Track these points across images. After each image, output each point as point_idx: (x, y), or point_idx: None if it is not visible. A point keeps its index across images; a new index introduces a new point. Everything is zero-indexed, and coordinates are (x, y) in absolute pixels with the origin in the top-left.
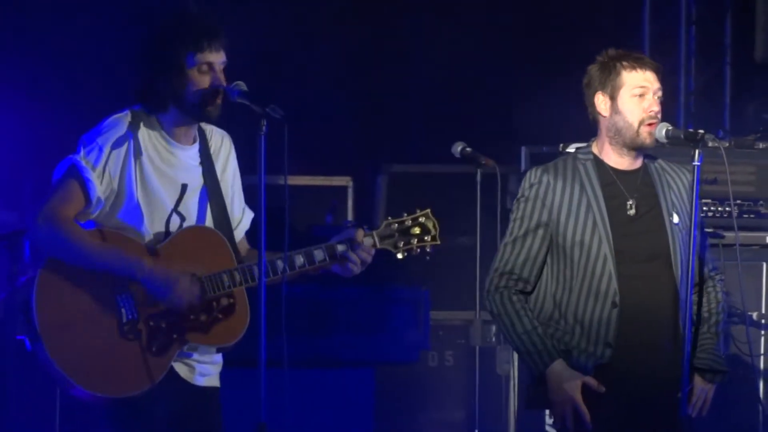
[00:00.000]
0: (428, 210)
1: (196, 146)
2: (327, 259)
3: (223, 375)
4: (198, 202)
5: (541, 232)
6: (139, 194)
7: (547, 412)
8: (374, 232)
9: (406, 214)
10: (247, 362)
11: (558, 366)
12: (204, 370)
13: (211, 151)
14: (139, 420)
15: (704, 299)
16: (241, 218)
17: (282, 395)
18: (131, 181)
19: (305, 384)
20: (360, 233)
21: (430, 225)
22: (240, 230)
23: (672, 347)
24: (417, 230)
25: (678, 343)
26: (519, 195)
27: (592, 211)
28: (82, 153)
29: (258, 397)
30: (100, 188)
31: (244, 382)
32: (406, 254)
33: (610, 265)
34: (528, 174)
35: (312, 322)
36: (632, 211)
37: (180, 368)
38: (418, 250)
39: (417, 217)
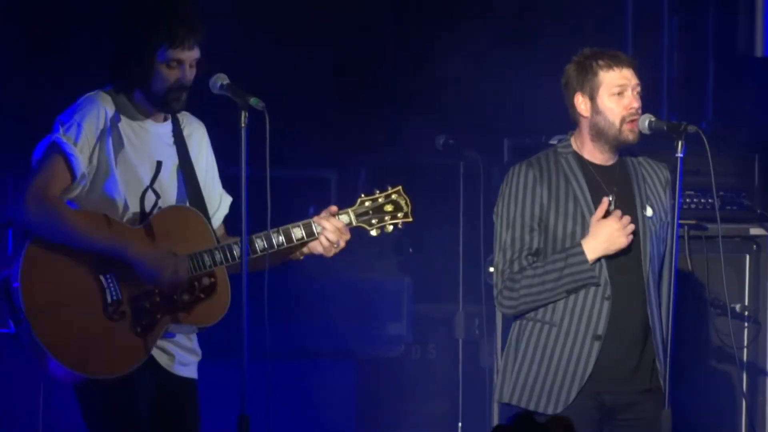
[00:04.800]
0: (399, 187)
1: (169, 125)
2: (305, 236)
3: (203, 367)
4: (173, 180)
5: (535, 225)
6: (117, 170)
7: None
8: (349, 210)
9: (378, 191)
10: (225, 353)
11: (581, 245)
12: (183, 359)
13: (185, 134)
14: (121, 404)
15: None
16: (219, 204)
17: (264, 387)
18: (110, 157)
19: (287, 376)
20: (333, 208)
21: (402, 202)
22: (219, 216)
23: (641, 341)
24: (389, 207)
25: (646, 339)
26: (504, 192)
27: (579, 205)
28: (61, 131)
29: (239, 390)
30: (83, 163)
31: (222, 373)
32: (379, 231)
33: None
34: (512, 170)
35: (294, 314)
36: (612, 207)
37: (160, 357)
38: (391, 227)
39: (389, 194)
